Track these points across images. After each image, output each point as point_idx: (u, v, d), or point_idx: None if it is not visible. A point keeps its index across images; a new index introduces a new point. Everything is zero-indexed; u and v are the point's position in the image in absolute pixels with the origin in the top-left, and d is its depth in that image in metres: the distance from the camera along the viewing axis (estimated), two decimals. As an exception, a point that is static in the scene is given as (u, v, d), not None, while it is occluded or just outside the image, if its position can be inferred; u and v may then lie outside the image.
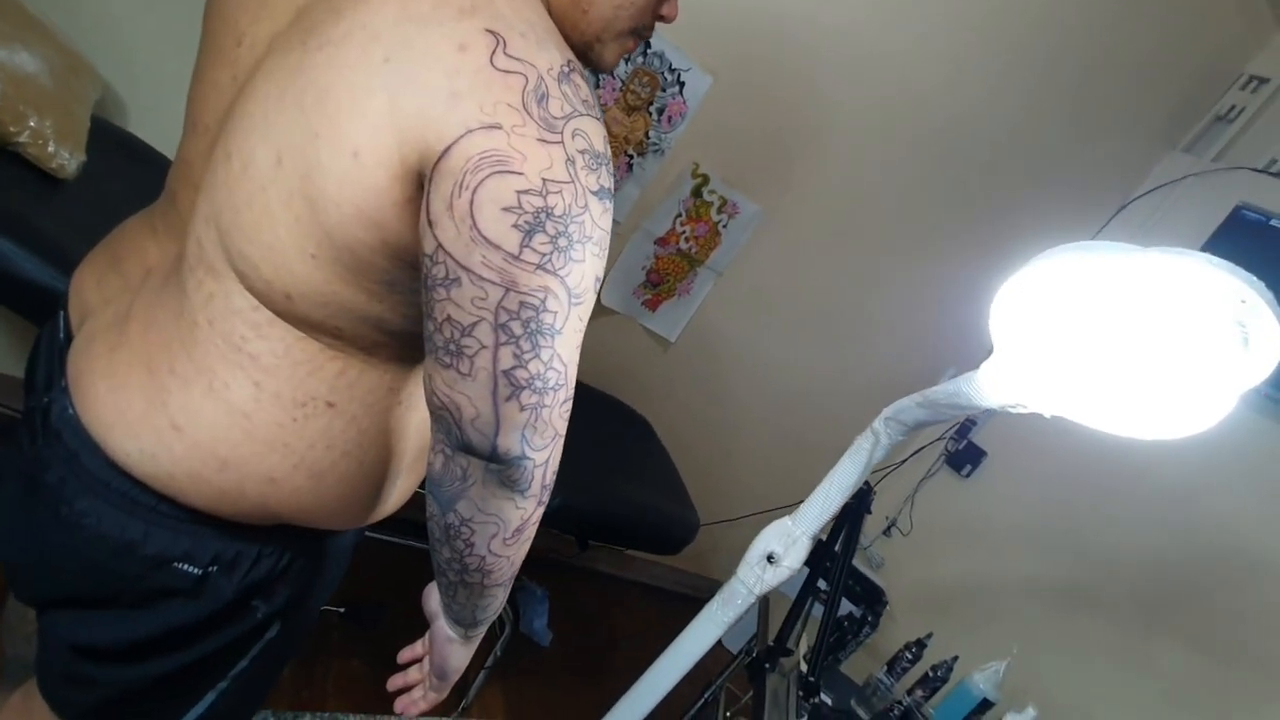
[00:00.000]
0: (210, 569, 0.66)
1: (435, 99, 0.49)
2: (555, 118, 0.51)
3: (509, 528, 0.59)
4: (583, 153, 0.52)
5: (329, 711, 1.62)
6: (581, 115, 0.53)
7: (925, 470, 2.74)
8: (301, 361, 0.61)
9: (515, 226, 0.50)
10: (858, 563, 2.53)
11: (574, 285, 0.53)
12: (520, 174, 0.49)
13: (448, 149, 0.49)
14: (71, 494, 0.63)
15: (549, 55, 0.52)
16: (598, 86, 1.75)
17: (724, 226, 2.07)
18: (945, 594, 2.36)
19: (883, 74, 1.93)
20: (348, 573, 1.98)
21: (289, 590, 0.73)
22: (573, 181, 0.51)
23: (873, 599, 2.39)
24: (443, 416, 0.56)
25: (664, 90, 1.81)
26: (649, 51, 1.74)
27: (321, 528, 0.71)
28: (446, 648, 0.75)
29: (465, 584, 0.64)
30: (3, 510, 0.70)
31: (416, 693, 0.81)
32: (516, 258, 0.50)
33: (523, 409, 0.54)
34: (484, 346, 0.52)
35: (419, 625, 1.99)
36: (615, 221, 1.91)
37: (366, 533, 1.74)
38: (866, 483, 1.34)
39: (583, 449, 1.80)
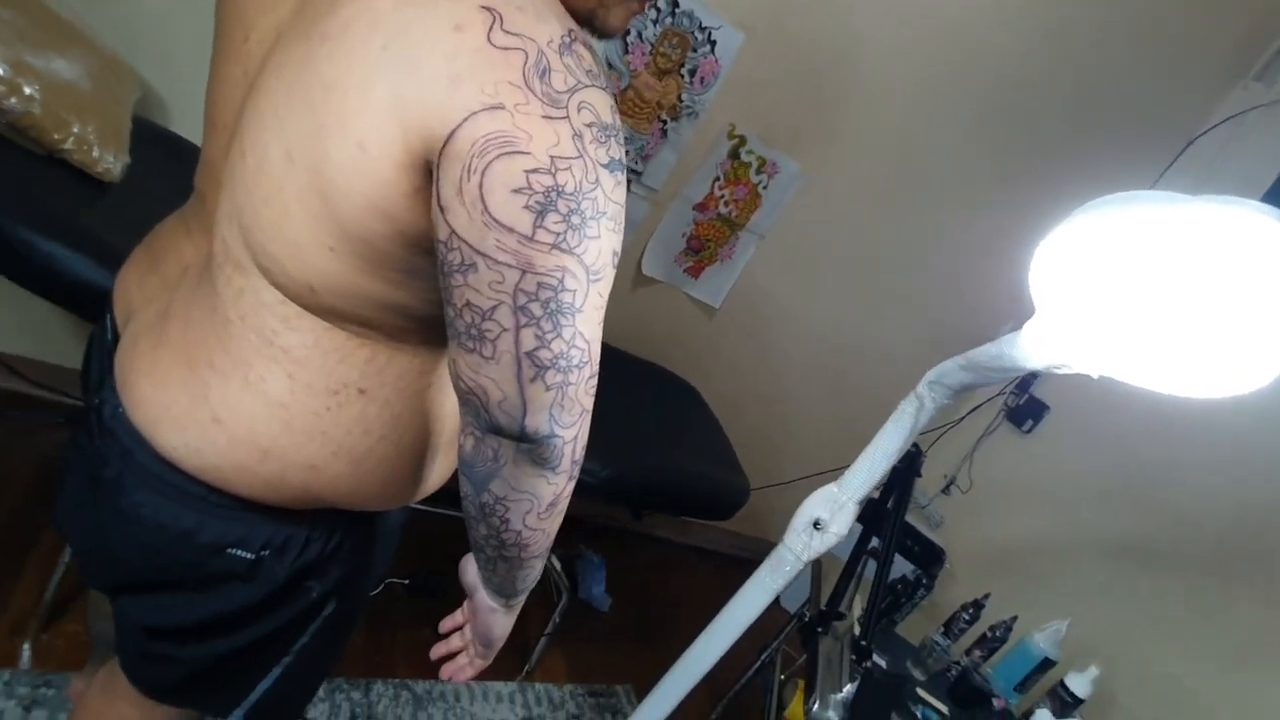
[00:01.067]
0: (262, 553, 0.69)
1: (435, 84, 0.49)
2: (559, 92, 0.50)
3: (543, 503, 0.61)
4: (590, 126, 0.51)
5: (398, 679, 1.70)
6: (586, 87, 0.51)
7: (985, 426, 2.66)
8: (331, 351, 0.63)
9: (527, 207, 0.49)
10: (916, 522, 2.50)
11: (591, 262, 0.53)
12: (527, 153, 0.49)
13: (452, 134, 0.49)
14: (129, 487, 0.67)
15: (549, 27, 0.51)
16: (625, 52, 1.71)
17: (764, 188, 2.02)
18: (1005, 553, 2.31)
19: (925, 16, 1.83)
20: (409, 546, 2.04)
21: (340, 570, 0.77)
22: (581, 156, 0.50)
23: (931, 559, 2.36)
24: (470, 400, 0.57)
25: (695, 50, 1.76)
26: (677, 11, 1.69)
27: (366, 509, 0.74)
28: (490, 618, 0.77)
29: (504, 558, 0.66)
30: (71, 504, 0.75)
31: (462, 659, 0.84)
32: (530, 239, 0.50)
33: (548, 389, 0.55)
34: (505, 330, 0.52)
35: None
36: (652, 189, 1.91)
37: (422, 507, 1.80)
38: (915, 445, 1.31)
39: (632, 419, 1.82)
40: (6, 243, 0.99)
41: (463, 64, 0.49)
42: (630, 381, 1.99)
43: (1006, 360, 0.76)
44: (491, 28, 0.49)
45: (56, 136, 1.14)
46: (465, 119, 0.48)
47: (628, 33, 1.68)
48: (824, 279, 2.23)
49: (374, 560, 0.84)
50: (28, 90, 1.10)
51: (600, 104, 0.52)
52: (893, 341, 2.38)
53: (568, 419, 0.57)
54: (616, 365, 2.01)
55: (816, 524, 1.14)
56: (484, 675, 1.88)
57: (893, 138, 2.02)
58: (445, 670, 0.84)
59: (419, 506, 1.92)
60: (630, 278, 2.07)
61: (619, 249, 0.56)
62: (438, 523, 1.88)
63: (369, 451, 0.68)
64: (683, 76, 1.78)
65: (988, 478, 2.61)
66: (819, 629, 1.32)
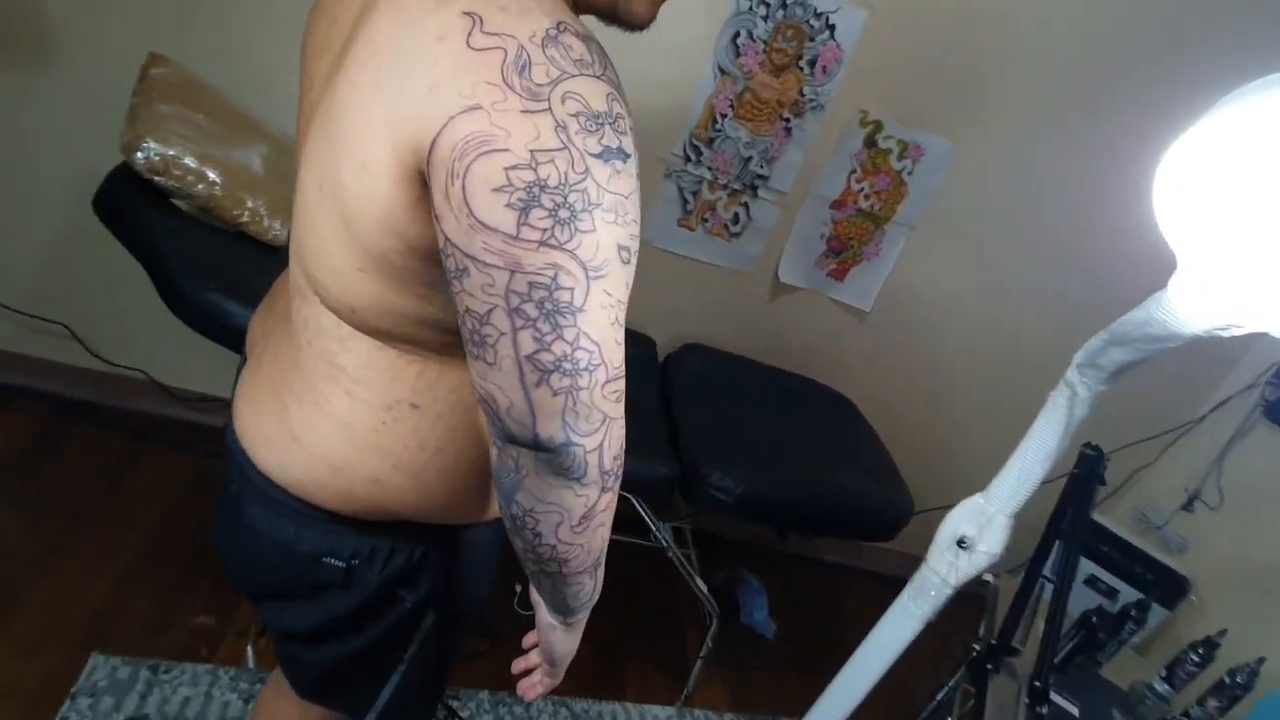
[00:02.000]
0: (352, 562, 0.73)
1: (418, 94, 0.49)
2: (539, 85, 0.48)
3: (574, 515, 0.57)
4: (577, 115, 0.48)
5: (557, 696, 1.73)
6: (573, 76, 0.49)
7: (1236, 426, 2.19)
8: (383, 369, 0.65)
9: (509, 205, 0.48)
10: (1150, 546, 2.09)
11: (587, 258, 0.49)
12: (506, 150, 0.47)
13: (435, 141, 0.49)
14: (244, 502, 0.75)
15: (532, 22, 0.49)
16: (738, 55, 1.66)
17: (908, 174, 1.85)
18: (1266, 581, 1.85)
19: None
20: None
21: (430, 582, 0.79)
22: (566, 148, 0.48)
23: (1170, 590, 1.96)
24: (485, 409, 0.56)
25: (812, 40, 1.66)
26: (788, 2, 1.61)
27: (440, 522, 0.75)
28: (550, 635, 0.75)
29: (545, 573, 0.63)
30: (218, 519, 0.86)
31: (535, 675, 0.82)
32: (516, 237, 0.48)
33: (555, 394, 0.52)
34: (503, 333, 0.51)
35: (631, 613, 2.03)
36: (781, 192, 1.82)
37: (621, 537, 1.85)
38: (1096, 447, 1.10)
39: (774, 435, 1.73)
40: (193, 301, 1.17)
41: (442, 71, 0.49)
42: (773, 396, 1.90)
43: (1157, 327, 0.60)
44: (471, 32, 0.49)
45: (235, 213, 1.35)
46: (445, 124, 0.48)
47: (736, 35, 1.64)
48: (986, 269, 1.97)
49: (467, 575, 0.85)
50: (211, 177, 1.31)
51: (591, 92, 0.49)
52: (1064, 334, 2.03)
53: (585, 426, 0.53)
54: (757, 380, 1.93)
55: (961, 542, 0.98)
56: (645, 697, 1.88)
57: (1050, 95, 1.75)
58: (520, 686, 0.83)
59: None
60: (768, 288, 1.98)
61: (627, 243, 0.52)
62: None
63: (426, 465, 0.69)
64: (802, 69, 1.69)
65: (1243, 489, 2.13)
66: (988, 665, 1.13)
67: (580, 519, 0.58)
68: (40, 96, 1.58)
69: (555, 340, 0.50)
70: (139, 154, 1.23)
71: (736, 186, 1.83)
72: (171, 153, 1.26)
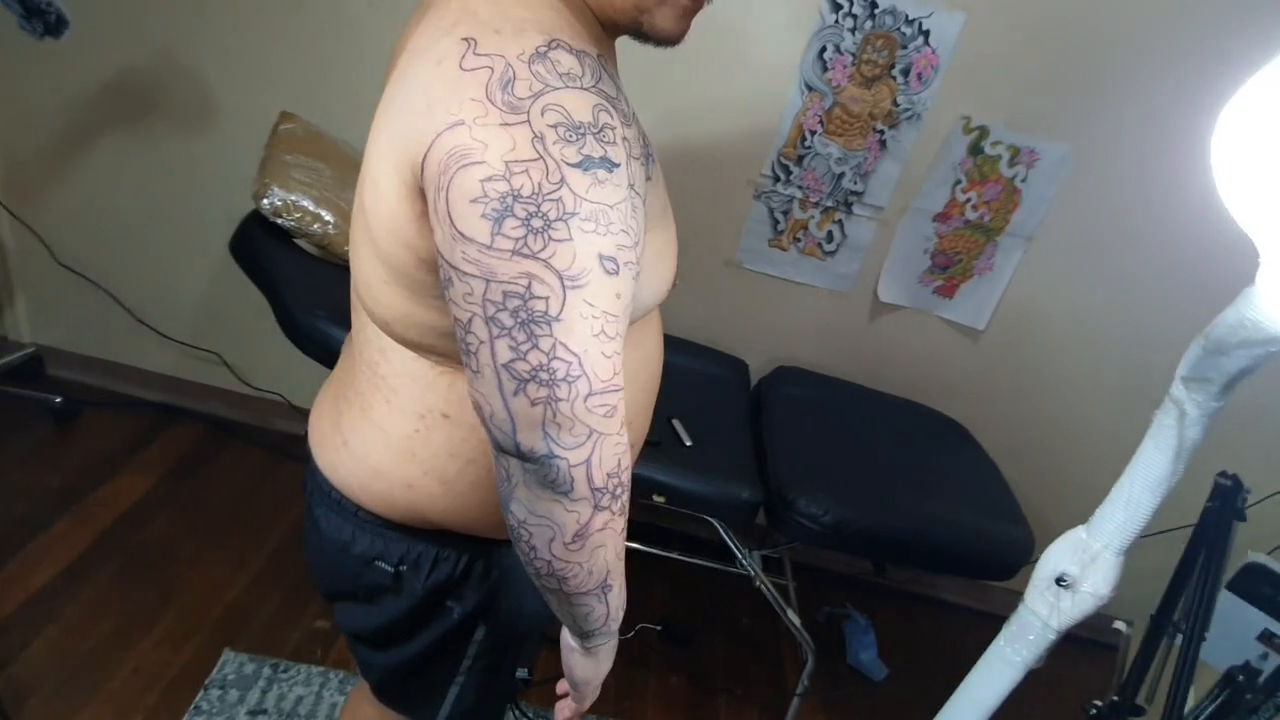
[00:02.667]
0: (400, 568, 0.77)
1: (416, 114, 0.52)
2: (520, 99, 0.49)
3: (566, 532, 0.56)
4: (556, 126, 0.49)
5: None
6: (556, 90, 0.50)
7: None
8: (417, 378, 0.68)
9: (484, 216, 0.49)
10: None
11: (563, 267, 0.50)
12: (482, 162, 0.49)
13: (425, 156, 0.51)
14: (314, 502, 0.80)
15: (523, 41, 0.51)
16: (825, 70, 1.62)
17: (1021, 181, 1.71)
18: None
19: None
20: (662, 592, 2.07)
21: (477, 595, 0.81)
22: (541, 158, 0.49)
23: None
24: (478, 416, 0.57)
25: (905, 48, 1.59)
26: (877, 11, 1.56)
27: (477, 534, 0.77)
28: (570, 657, 0.73)
29: (548, 590, 0.62)
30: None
31: (565, 700, 0.81)
32: (490, 247, 0.49)
33: (533, 404, 0.51)
34: (482, 342, 0.51)
35: (728, 645, 1.97)
36: (877, 208, 1.75)
37: (673, 555, 1.82)
38: (1233, 476, 0.95)
39: (875, 463, 1.63)
40: (300, 325, 1.29)
41: (435, 91, 0.51)
42: (875, 421, 1.79)
43: (1251, 328, 0.51)
44: (465, 54, 0.51)
45: (345, 248, 1.48)
46: (434, 140, 0.51)
47: (823, 49, 1.60)
48: (1112, 280, 1.77)
49: (516, 591, 0.86)
50: (326, 217, 1.45)
51: (574, 104, 0.50)
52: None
53: (569, 439, 0.52)
54: (857, 404, 1.83)
55: (1061, 580, 0.88)
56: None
57: (1178, 83, 1.56)
58: (556, 706, 0.82)
59: (670, 554, 1.94)
60: (867, 307, 1.89)
61: (612, 252, 0.51)
62: (691, 572, 1.89)
63: (459, 474, 0.71)
64: (895, 79, 1.63)
65: None
66: (1110, 727, 0.99)
67: (574, 536, 0.57)
68: (199, 156, 1.83)
69: (531, 350, 0.50)
70: (265, 200, 1.38)
71: (829, 204, 1.77)
72: (293, 197, 1.40)
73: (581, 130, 0.50)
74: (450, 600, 0.80)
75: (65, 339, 2.11)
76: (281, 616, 1.68)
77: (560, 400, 0.51)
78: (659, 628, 1.89)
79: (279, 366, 2.04)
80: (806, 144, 1.71)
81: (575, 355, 0.51)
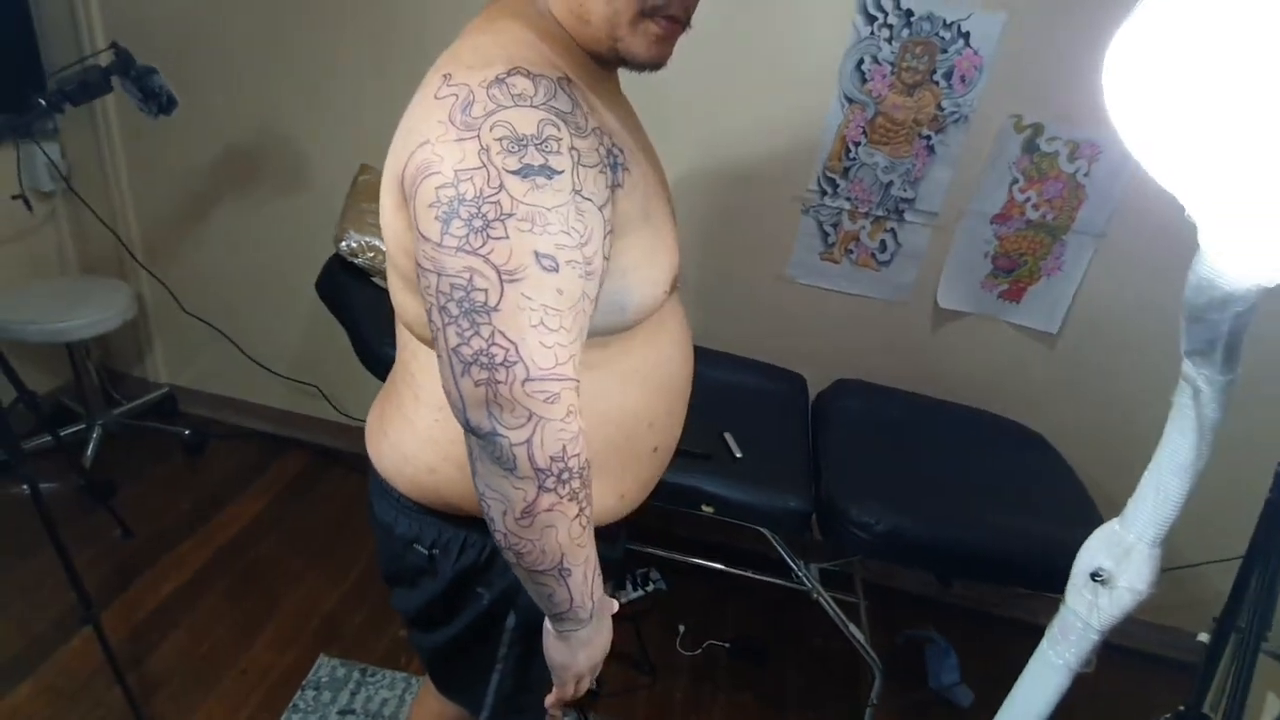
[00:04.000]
0: (433, 551, 0.84)
1: (402, 140, 0.62)
2: (475, 118, 0.57)
3: (515, 507, 0.60)
4: (501, 139, 0.56)
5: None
6: (506, 109, 0.57)
7: None
8: (436, 374, 0.77)
9: (437, 218, 0.57)
10: None
11: (501, 262, 0.56)
12: (438, 173, 0.57)
13: (404, 173, 0.60)
14: (371, 490, 0.90)
15: (486, 71, 0.59)
16: (864, 82, 1.64)
17: (1084, 175, 1.64)
18: None
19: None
20: (730, 609, 2.05)
21: (504, 580, 0.86)
22: (484, 167, 0.56)
23: None
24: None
25: (945, 52, 1.59)
26: (914, 19, 1.57)
27: None
28: (545, 639, 0.77)
29: (512, 565, 0.66)
30: None
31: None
32: (440, 245, 0.56)
33: (476, 385, 0.57)
34: (438, 329, 0.58)
35: (800, 665, 1.94)
36: (930, 214, 1.73)
37: (740, 572, 1.81)
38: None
39: (941, 473, 1.59)
40: (376, 354, 1.43)
41: (415, 119, 0.61)
42: (942, 431, 1.74)
43: (1208, 288, 0.50)
44: (440, 86, 0.61)
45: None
46: (408, 159, 0.60)
47: (860, 61, 1.62)
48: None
49: None
50: (398, 254, 1.60)
51: (521, 120, 0.57)
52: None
53: (510, 420, 0.57)
54: (922, 415, 1.78)
55: (1096, 575, 0.85)
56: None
57: None
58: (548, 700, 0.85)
59: (734, 570, 1.94)
60: (928, 316, 1.85)
61: (550, 251, 0.57)
62: (762, 590, 1.88)
63: None
64: (937, 83, 1.62)
65: None
66: (1179, 742, 0.92)
67: (522, 512, 0.61)
68: (296, 210, 2.06)
69: (473, 336, 0.56)
70: (343, 242, 1.55)
71: (879, 213, 1.76)
72: (366, 239, 1.56)
73: (524, 142, 0.57)
74: (480, 586, 0.86)
75: (194, 379, 2.40)
76: (371, 626, 1.81)
77: (500, 383, 0.57)
78: (727, 645, 1.89)
79: (369, 397, 2.22)
80: (851, 155, 1.72)
81: (512, 343, 0.56)
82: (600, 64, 0.74)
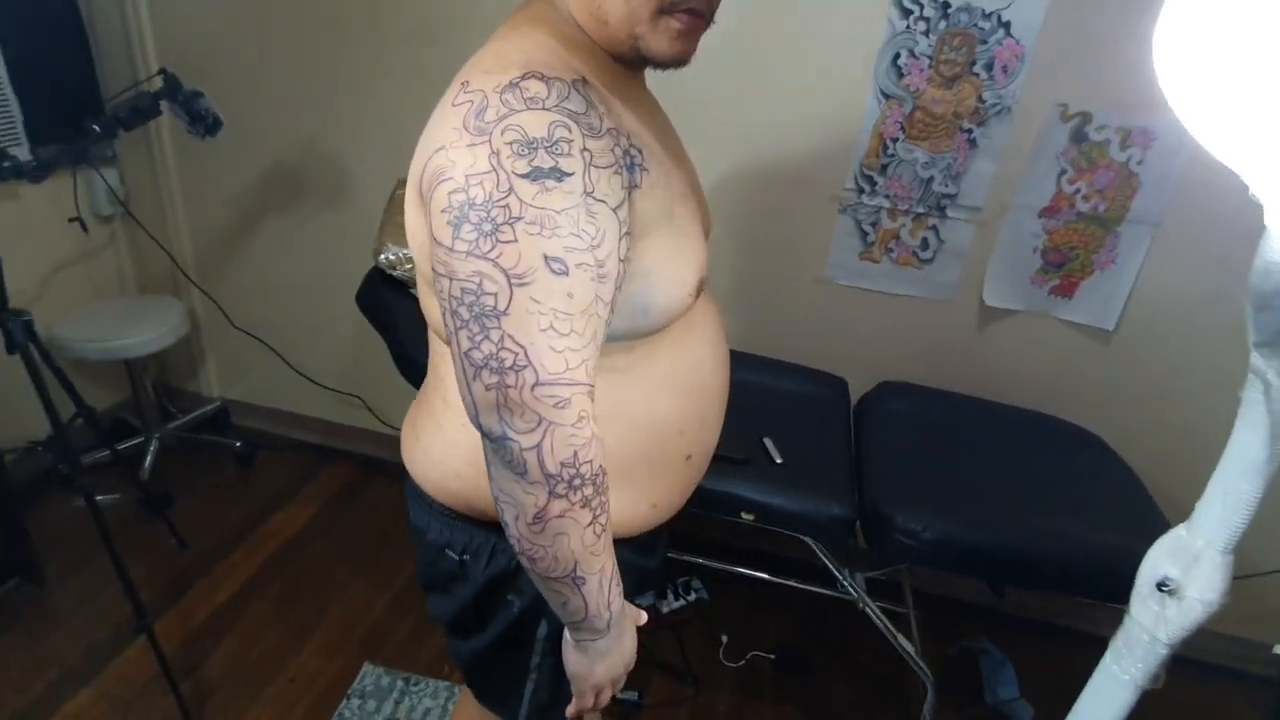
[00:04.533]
0: (464, 556, 0.84)
1: (422, 147, 0.62)
2: (487, 123, 0.57)
3: (526, 512, 0.60)
4: (511, 143, 0.56)
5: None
6: (519, 112, 0.57)
7: None
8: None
9: (449, 222, 0.57)
10: None
11: (510, 266, 0.55)
12: (450, 178, 0.57)
13: (422, 179, 0.61)
14: (407, 495, 0.90)
15: (501, 76, 0.59)
16: (900, 77, 1.60)
17: (1137, 164, 1.57)
18: None
19: None
20: (775, 621, 2.01)
21: (534, 588, 0.86)
22: (494, 171, 0.56)
23: None
24: None
25: (984, 42, 1.54)
26: (950, 11, 1.52)
27: None
28: (564, 647, 0.76)
29: (528, 571, 0.66)
30: None
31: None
32: (451, 249, 0.56)
33: (487, 389, 0.57)
34: (452, 332, 0.58)
35: (849, 677, 1.89)
36: (973, 209, 1.68)
37: (785, 581, 1.78)
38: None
39: (990, 477, 1.53)
40: (413, 360, 1.45)
41: (433, 126, 0.62)
42: (992, 434, 1.67)
43: (1277, 272, 0.46)
44: (457, 94, 0.61)
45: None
46: (426, 164, 0.60)
47: (896, 56, 1.58)
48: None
49: None
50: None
51: (532, 122, 0.57)
52: None
53: (521, 424, 0.57)
54: (971, 417, 1.72)
55: (1163, 585, 0.79)
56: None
57: None
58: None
59: (777, 579, 1.89)
60: (974, 315, 1.79)
61: (559, 254, 0.56)
62: (808, 600, 1.84)
63: None
64: (977, 75, 1.57)
65: None
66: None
67: (534, 518, 0.60)
68: (340, 226, 2.10)
69: (483, 340, 0.56)
70: (382, 255, 1.58)
71: (920, 210, 1.71)
72: (404, 252, 1.59)
73: (534, 145, 0.56)
74: (511, 593, 0.85)
75: (245, 392, 2.47)
76: (414, 634, 1.83)
77: (509, 387, 0.56)
78: (773, 656, 1.85)
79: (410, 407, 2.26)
80: (889, 152, 1.67)
81: (521, 347, 0.56)
82: (625, 65, 0.74)
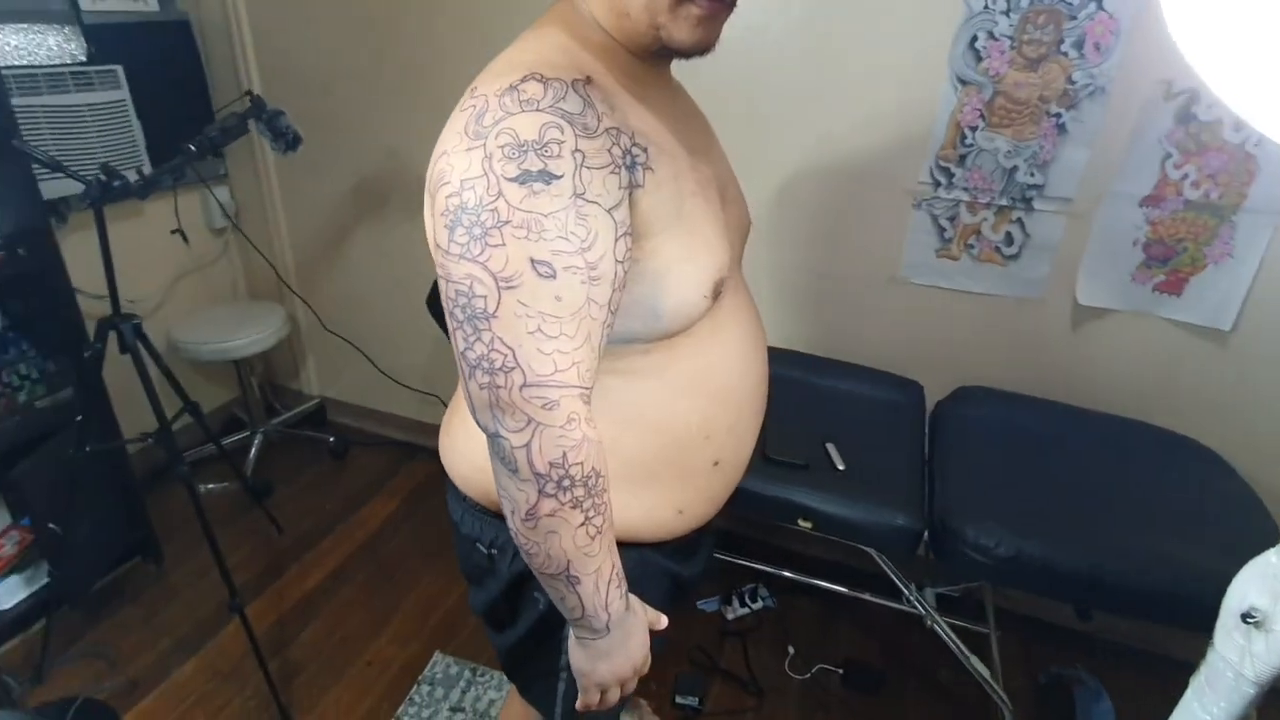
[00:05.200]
0: (492, 551, 0.86)
1: (432, 154, 0.64)
2: (485, 127, 0.58)
3: (520, 508, 0.62)
4: (503, 146, 0.57)
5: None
6: (514, 115, 0.58)
7: None
8: None
9: (445, 226, 0.58)
10: None
11: (498, 269, 0.56)
12: (448, 182, 0.59)
13: (428, 184, 0.62)
14: (447, 486, 0.92)
15: (503, 80, 0.60)
16: (979, 61, 1.50)
17: (1255, 144, 1.40)
18: None
19: None
20: (844, 634, 1.95)
21: None
22: (485, 175, 0.57)
23: None
24: None
25: (1073, 19, 1.42)
26: (1033, -12, 1.42)
27: None
28: (569, 640, 0.75)
29: (529, 565, 0.67)
30: None
31: None
32: (447, 251, 0.58)
33: (480, 388, 0.59)
34: (451, 331, 0.60)
35: (922, 698, 1.80)
36: (1064, 199, 1.57)
37: (855, 593, 1.72)
38: None
39: (1081, 492, 1.42)
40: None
41: (443, 132, 0.63)
42: (1085, 444, 1.53)
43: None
44: (465, 99, 0.63)
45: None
46: (431, 169, 0.62)
47: (973, 39, 1.49)
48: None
49: None
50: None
51: (524, 125, 0.57)
52: None
53: (511, 423, 0.58)
54: (1062, 426, 1.59)
55: (1248, 616, 0.71)
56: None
57: None
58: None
59: (847, 591, 1.84)
60: (1067, 314, 1.65)
61: (546, 258, 0.57)
62: (878, 611, 1.76)
63: None
64: (1065, 54, 1.45)
65: None
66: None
67: (526, 514, 0.62)
68: (421, 232, 2.20)
69: (476, 341, 0.58)
70: (450, 259, 1.64)
71: (1003, 203, 1.60)
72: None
73: (524, 148, 0.57)
74: (537, 590, 0.86)
75: (340, 390, 2.64)
76: (482, 627, 1.88)
77: (500, 387, 0.58)
78: (841, 671, 1.78)
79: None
80: (968, 142, 1.58)
81: (510, 349, 0.57)
82: (651, 59, 0.73)
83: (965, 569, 1.29)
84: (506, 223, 0.56)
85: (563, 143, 0.57)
